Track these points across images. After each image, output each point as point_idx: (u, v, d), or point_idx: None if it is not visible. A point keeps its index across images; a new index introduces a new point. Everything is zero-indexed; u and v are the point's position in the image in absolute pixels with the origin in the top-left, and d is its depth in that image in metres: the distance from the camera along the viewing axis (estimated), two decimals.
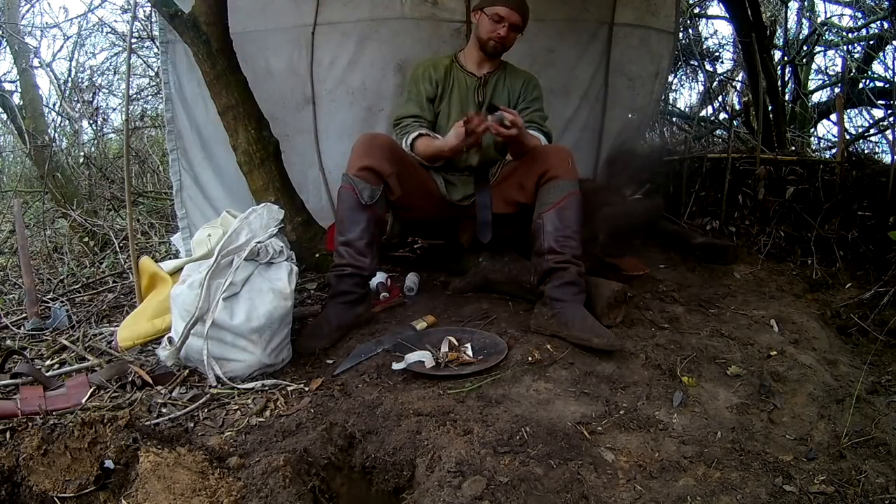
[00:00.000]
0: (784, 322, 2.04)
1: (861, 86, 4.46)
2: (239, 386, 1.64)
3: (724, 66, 5.32)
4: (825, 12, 5.10)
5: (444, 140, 2.06)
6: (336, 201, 2.07)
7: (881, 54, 4.53)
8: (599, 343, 1.73)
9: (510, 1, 2.13)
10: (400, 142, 2.18)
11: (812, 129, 4.84)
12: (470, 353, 1.76)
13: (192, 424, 1.48)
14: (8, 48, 4.49)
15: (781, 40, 4.67)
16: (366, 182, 1.96)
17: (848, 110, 4.52)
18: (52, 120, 4.89)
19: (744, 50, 3.56)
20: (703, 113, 5.11)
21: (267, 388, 1.64)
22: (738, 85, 5.20)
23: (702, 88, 5.17)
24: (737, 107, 4.80)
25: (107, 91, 4.97)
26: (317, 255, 2.46)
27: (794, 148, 3.72)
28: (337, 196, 2.06)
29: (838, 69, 4.90)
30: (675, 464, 1.34)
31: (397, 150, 2.09)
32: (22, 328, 2.20)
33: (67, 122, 4.93)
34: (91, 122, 4.81)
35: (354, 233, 1.98)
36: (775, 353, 1.83)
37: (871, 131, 4.60)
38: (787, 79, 4.55)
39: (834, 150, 3.76)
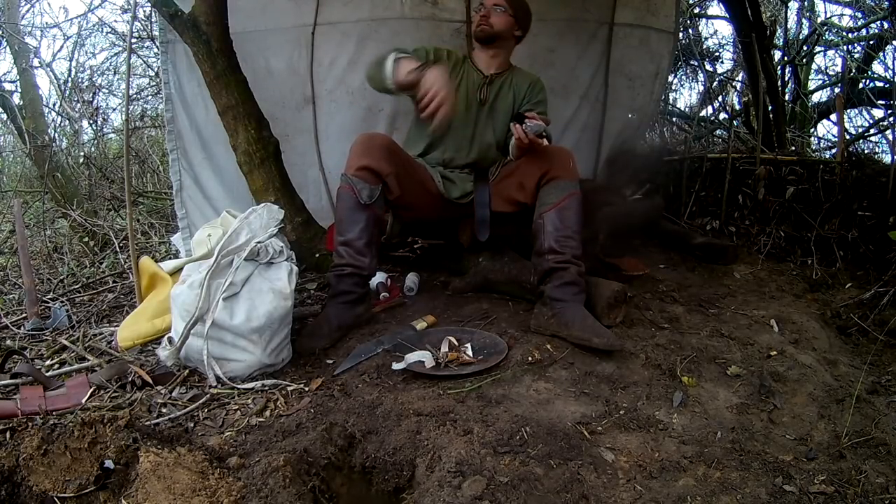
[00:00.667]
0: (784, 322, 2.04)
1: (861, 86, 4.46)
2: (239, 386, 1.64)
3: (724, 66, 5.33)
4: (825, 12, 5.11)
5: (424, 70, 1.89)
6: (335, 201, 2.07)
7: (881, 54, 4.53)
8: (599, 343, 1.73)
9: None
10: (383, 59, 2.01)
11: (812, 129, 4.84)
12: (470, 353, 1.76)
13: (192, 424, 1.48)
14: (8, 48, 4.48)
15: (781, 40, 4.67)
16: (364, 182, 1.95)
17: (848, 110, 4.52)
18: (52, 120, 4.88)
19: (744, 50, 3.56)
20: (703, 113, 5.11)
21: (267, 388, 1.64)
22: (738, 85, 5.20)
23: (702, 88, 5.17)
24: (737, 107, 4.81)
25: (107, 91, 4.98)
26: (317, 255, 2.46)
27: (794, 148, 3.72)
28: (336, 196, 2.05)
29: (838, 69, 4.90)
30: (675, 464, 1.34)
31: (396, 149, 2.08)
32: (22, 328, 2.20)
33: (67, 122, 4.93)
34: (91, 122, 4.81)
35: (353, 232, 1.98)
36: (775, 353, 1.83)
37: (871, 131, 4.60)
38: (787, 79, 4.55)
39: (834, 150, 3.76)
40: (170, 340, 1.67)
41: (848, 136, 4.17)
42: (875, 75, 4.60)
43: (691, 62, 5.01)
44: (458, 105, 2.19)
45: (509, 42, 2.31)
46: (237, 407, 1.56)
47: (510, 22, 2.23)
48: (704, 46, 5.09)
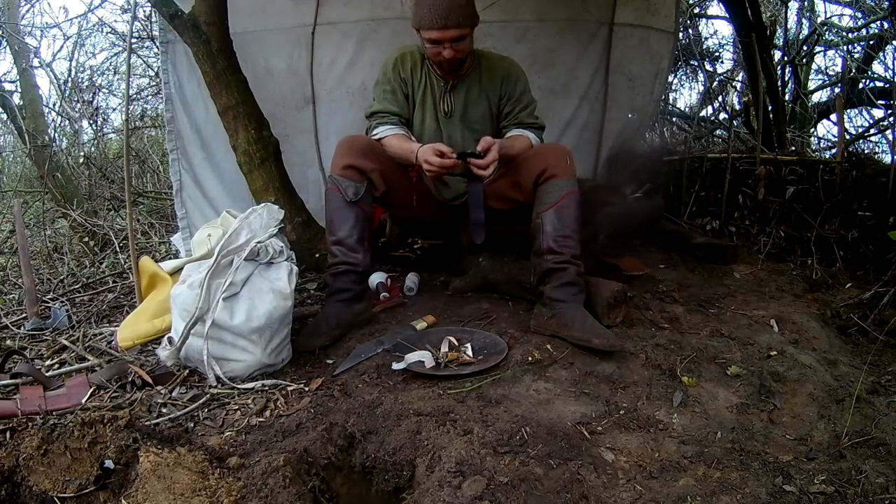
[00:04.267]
0: (784, 322, 2.04)
1: (861, 86, 4.46)
2: (239, 386, 1.64)
3: (724, 66, 5.33)
4: (825, 12, 5.11)
5: (416, 151, 1.97)
6: (324, 203, 2.07)
7: (881, 54, 4.53)
8: (599, 343, 1.72)
9: (437, 20, 1.91)
10: (371, 133, 2.12)
11: (812, 129, 4.83)
12: (470, 353, 1.76)
13: (192, 424, 1.48)
14: (8, 48, 4.49)
15: (781, 40, 4.67)
16: (349, 180, 1.96)
17: (848, 110, 4.52)
18: (52, 120, 4.89)
19: (744, 50, 3.57)
20: (703, 113, 5.11)
21: (267, 388, 1.64)
22: (738, 85, 5.20)
23: (702, 88, 5.17)
24: (737, 107, 4.81)
25: (107, 91, 4.98)
26: (317, 255, 2.46)
27: (794, 148, 3.72)
28: (324, 198, 2.06)
29: (838, 69, 4.90)
30: (675, 464, 1.34)
31: (378, 147, 2.08)
32: (22, 328, 2.20)
33: (67, 122, 4.93)
34: (91, 122, 4.82)
35: (344, 230, 1.98)
36: (775, 353, 1.83)
37: (871, 131, 4.60)
38: (787, 79, 4.55)
39: (834, 150, 3.76)
40: (170, 340, 1.68)
41: (848, 136, 4.16)
42: (875, 75, 4.60)
43: (691, 62, 5.01)
44: (430, 121, 2.18)
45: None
46: (237, 407, 1.56)
47: (471, 38, 2.03)
48: (704, 46, 5.09)
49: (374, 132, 2.13)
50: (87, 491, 1.23)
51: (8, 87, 4.70)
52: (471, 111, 2.19)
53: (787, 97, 4.42)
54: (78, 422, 1.28)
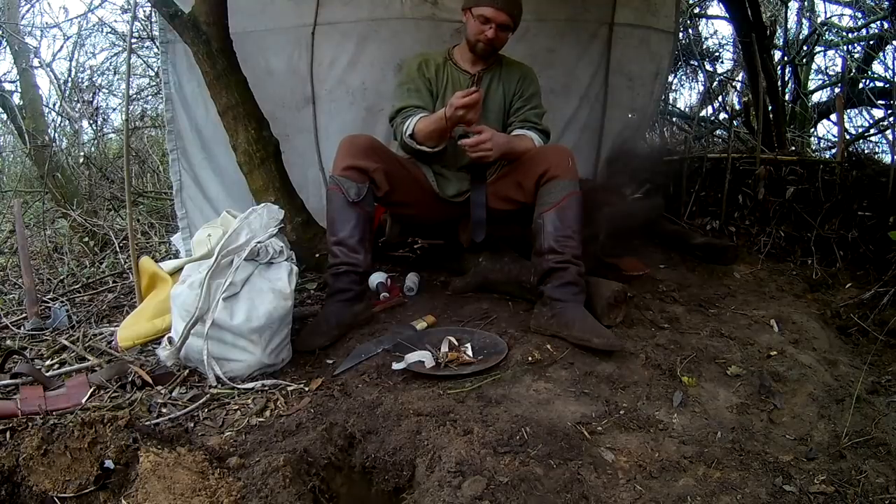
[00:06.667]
0: (784, 322, 2.04)
1: (861, 86, 4.46)
2: (239, 386, 1.64)
3: (724, 66, 5.33)
4: (825, 12, 5.11)
5: (443, 111, 1.99)
6: (325, 203, 2.08)
7: (881, 54, 4.53)
8: (599, 343, 1.73)
9: (496, 0, 2.06)
10: (401, 129, 2.14)
11: (812, 129, 4.83)
12: (470, 353, 1.76)
13: (192, 424, 1.48)
14: (8, 48, 4.48)
15: (781, 40, 4.67)
16: (351, 180, 1.97)
17: (848, 110, 4.52)
18: (52, 120, 4.89)
19: (744, 50, 3.57)
20: (703, 113, 5.11)
21: (267, 388, 1.64)
22: (738, 85, 5.20)
23: (702, 88, 5.17)
24: (737, 107, 4.80)
25: (107, 91, 4.98)
26: (317, 255, 2.46)
27: (794, 148, 3.72)
28: (325, 198, 2.06)
29: (838, 69, 4.90)
30: (675, 464, 1.34)
31: (380, 147, 2.09)
32: (22, 328, 2.20)
33: (67, 122, 4.93)
34: (91, 122, 4.81)
35: (345, 231, 1.99)
36: (775, 353, 1.83)
37: (871, 131, 4.60)
38: (787, 79, 4.55)
39: (834, 150, 3.76)
40: (170, 340, 1.67)
41: (848, 136, 4.16)
42: (875, 75, 4.60)
43: (691, 62, 5.01)
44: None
45: None
46: (237, 407, 1.56)
47: (510, 34, 2.17)
48: (704, 46, 5.09)
49: (405, 126, 2.12)
50: (87, 491, 1.23)
51: (8, 87, 4.70)
52: (489, 101, 2.23)
53: (787, 97, 4.42)
54: (78, 422, 1.28)
